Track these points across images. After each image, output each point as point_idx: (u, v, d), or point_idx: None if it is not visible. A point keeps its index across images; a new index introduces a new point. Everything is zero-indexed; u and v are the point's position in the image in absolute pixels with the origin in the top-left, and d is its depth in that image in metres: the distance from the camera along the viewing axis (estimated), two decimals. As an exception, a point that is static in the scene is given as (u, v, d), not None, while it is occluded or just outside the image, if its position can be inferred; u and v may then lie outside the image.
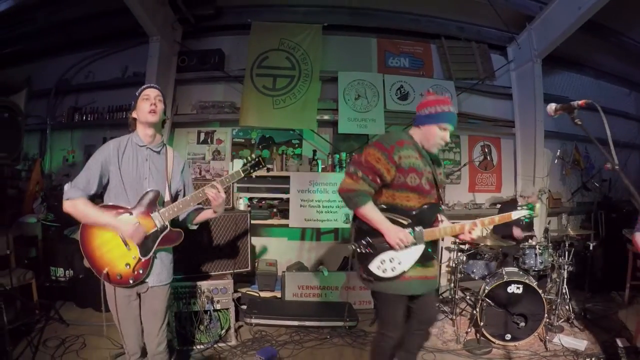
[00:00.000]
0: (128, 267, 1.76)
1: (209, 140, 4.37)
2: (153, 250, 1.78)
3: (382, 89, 4.32)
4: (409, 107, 4.33)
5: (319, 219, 3.81)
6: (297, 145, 4.39)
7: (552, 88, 5.10)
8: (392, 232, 1.81)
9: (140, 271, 1.77)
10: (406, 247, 1.83)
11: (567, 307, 3.40)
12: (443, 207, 2.04)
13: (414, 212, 1.86)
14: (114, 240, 1.76)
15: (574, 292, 3.77)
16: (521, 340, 2.99)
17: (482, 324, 2.97)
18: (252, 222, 3.85)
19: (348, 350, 2.91)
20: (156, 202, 1.79)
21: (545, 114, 4.68)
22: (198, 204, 1.91)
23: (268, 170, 2.19)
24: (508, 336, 2.98)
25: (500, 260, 3.60)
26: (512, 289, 2.97)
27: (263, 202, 3.96)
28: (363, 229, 1.88)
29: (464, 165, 4.56)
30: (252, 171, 1.92)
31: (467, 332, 3.11)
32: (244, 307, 3.37)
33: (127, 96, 4.16)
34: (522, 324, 2.96)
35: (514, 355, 2.88)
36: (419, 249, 1.87)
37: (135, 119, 1.87)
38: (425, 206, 1.88)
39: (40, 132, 4.25)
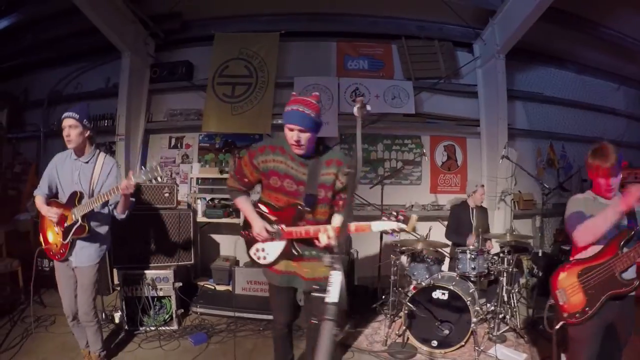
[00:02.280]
0: (56, 246, 2.48)
1: (179, 145, 4.96)
2: (69, 237, 2.38)
3: (337, 92, 4.65)
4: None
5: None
6: (256, 148, 4.83)
7: (528, 84, 5.18)
8: (253, 224, 2.08)
9: (62, 251, 2.44)
10: (271, 240, 2.08)
11: (508, 315, 3.40)
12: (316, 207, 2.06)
13: (281, 211, 2.09)
14: (51, 227, 2.50)
15: (538, 299, 3.70)
16: (449, 347, 3.03)
17: (404, 327, 3.14)
18: (208, 220, 4.43)
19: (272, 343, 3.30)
20: (75, 201, 2.38)
21: (510, 111, 4.75)
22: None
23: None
24: (434, 343, 3.06)
25: (443, 264, 3.63)
26: (437, 294, 3.08)
27: (218, 202, 4.45)
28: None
29: (422, 155, 4.69)
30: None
31: (398, 335, 3.24)
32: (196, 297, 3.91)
33: (109, 105, 4.89)
34: (446, 331, 3.01)
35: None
36: (280, 245, 2.09)
37: None
38: (290, 206, 2.07)
39: (37, 139, 5.08)
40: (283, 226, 2.08)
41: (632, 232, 1.83)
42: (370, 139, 4.88)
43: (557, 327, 1.98)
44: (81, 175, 2.45)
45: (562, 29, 4.71)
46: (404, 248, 3.63)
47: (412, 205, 4.72)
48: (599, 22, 4.74)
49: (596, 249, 1.91)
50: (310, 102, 2.00)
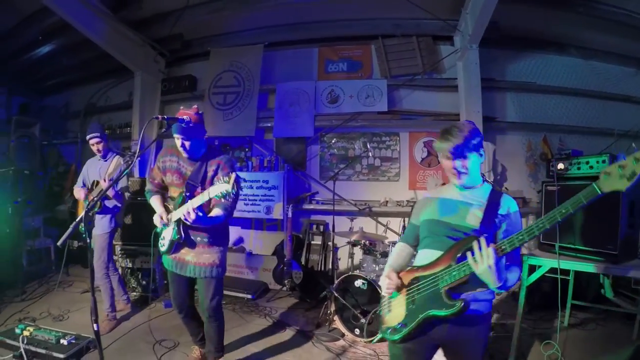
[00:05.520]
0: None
1: (185, 147, 6.50)
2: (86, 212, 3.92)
3: (313, 95, 5.74)
4: (338, 109, 5.67)
5: (245, 209, 5.51)
6: (247, 149, 6.16)
7: (522, 74, 5.61)
8: (156, 214, 2.86)
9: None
10: (167, 226, 2.83)
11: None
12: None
13: (175, 200, 2.82)
14: (82, 208, 4.04)
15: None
16: (369, 337, 3.55)
17: (329, 312, 3.98)
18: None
19: (227, 314, 4.16)
20: (93, 186, 3.92)
21: (500, 104, 5.31)
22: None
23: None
24: (357, 331, 3.67)
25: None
26: (358, 284, 3.76)
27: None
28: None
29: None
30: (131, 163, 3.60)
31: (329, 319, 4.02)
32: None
33: (131, 116, 6.62)
34: (362, 320, 3.59)
35: (351, 351, 3.56)
36: (170, 230, 2.82)
37: None
38: (178, 194, 2.80)
39: (76, 144, 7.10)
40: (173, 212, 2.79)
41: (474, 240, 1.66)
42: (347, 137, 5.87)
43: (375, 339, 2.04)
44: (101, 170, 3.96)
45: (557, 12, 5.08)
46: (353, 240, 4.56)
47: (387, 201, 5.55)
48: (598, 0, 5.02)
49: (434, 255, 1.84)
50: (188, 113, 2.68)
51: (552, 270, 3.14)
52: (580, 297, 4.13)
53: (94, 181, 3.92)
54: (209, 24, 6.02)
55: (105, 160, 3.99)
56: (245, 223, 6.09)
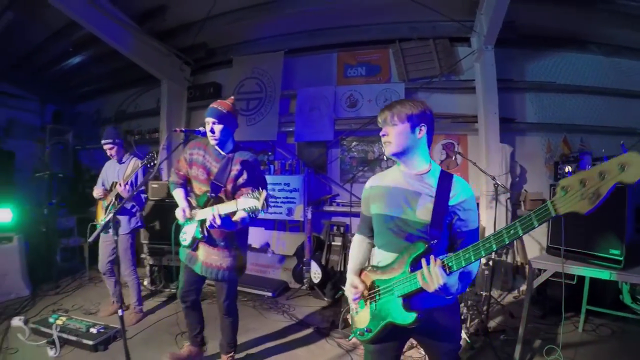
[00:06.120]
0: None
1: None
2: (108, 211, 4.13)
3: (333, 99, 5.89)
4: (357, 113, 5.80)
5: (267, 211, 5.68)
6: (270, 153, 6.37)
7: (542, 74, 5.59)
8: (179, 208, 2.91)
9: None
10: (190, 221, 2.87)
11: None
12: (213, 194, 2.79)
13: (198, 197, 2.87)
14: (101, 209, 4.28)
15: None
16: None
17: (342, 310, 4.03)
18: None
19: (247, 311, 4.55)
20: (112, 187, 4.15)
21: (519, 104, 5.32)
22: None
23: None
24: None
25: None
26: None
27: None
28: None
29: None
30: (149, 165, 3.63)
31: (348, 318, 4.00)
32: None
33: (159, 121, 6.96)
34: None
35: (361, 348, 3.51)
36: (193, 227, 2.85)
37: None
38: (203, 194, 2.83)
39: (107, 150, 7.55)
40: (198, 210, 2.85)
41: (427, 246, 1.66)
42: (366, 141, 5.98)
43: (350, 338, 2.05)
44: (119, 172, 4.21)
45: (575, 10, 5.02)
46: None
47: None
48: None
49: (389, 257, 1.81)
50: (225, 102, 2.82)
51: (567, 275, 3.06)
52: (598, 302, 4.04)
53: (112, 182, 4.16)
54: (231, 33, 6.26)
55: (122, 163, 4.23)
56: (268, 224, 6.28)
